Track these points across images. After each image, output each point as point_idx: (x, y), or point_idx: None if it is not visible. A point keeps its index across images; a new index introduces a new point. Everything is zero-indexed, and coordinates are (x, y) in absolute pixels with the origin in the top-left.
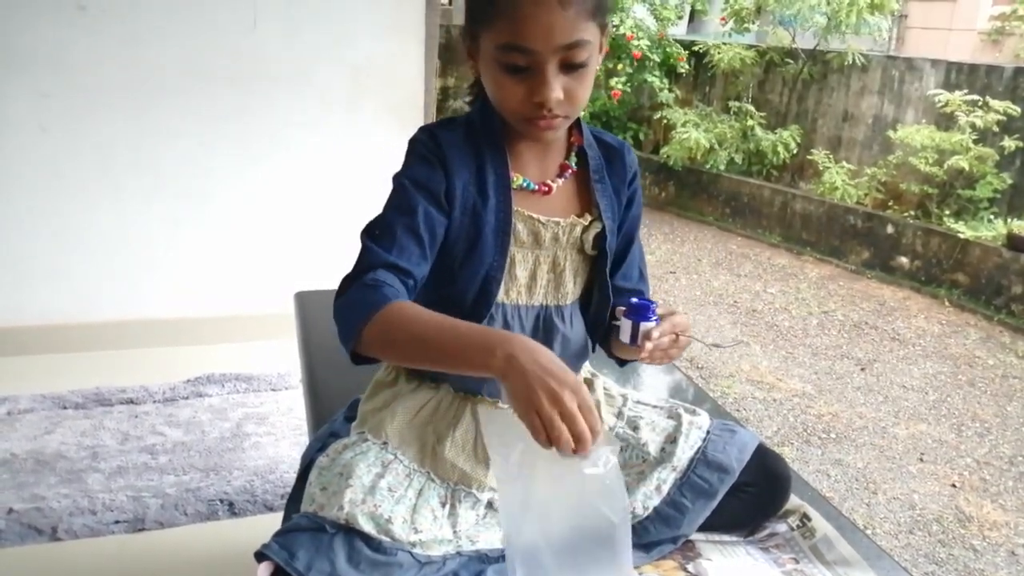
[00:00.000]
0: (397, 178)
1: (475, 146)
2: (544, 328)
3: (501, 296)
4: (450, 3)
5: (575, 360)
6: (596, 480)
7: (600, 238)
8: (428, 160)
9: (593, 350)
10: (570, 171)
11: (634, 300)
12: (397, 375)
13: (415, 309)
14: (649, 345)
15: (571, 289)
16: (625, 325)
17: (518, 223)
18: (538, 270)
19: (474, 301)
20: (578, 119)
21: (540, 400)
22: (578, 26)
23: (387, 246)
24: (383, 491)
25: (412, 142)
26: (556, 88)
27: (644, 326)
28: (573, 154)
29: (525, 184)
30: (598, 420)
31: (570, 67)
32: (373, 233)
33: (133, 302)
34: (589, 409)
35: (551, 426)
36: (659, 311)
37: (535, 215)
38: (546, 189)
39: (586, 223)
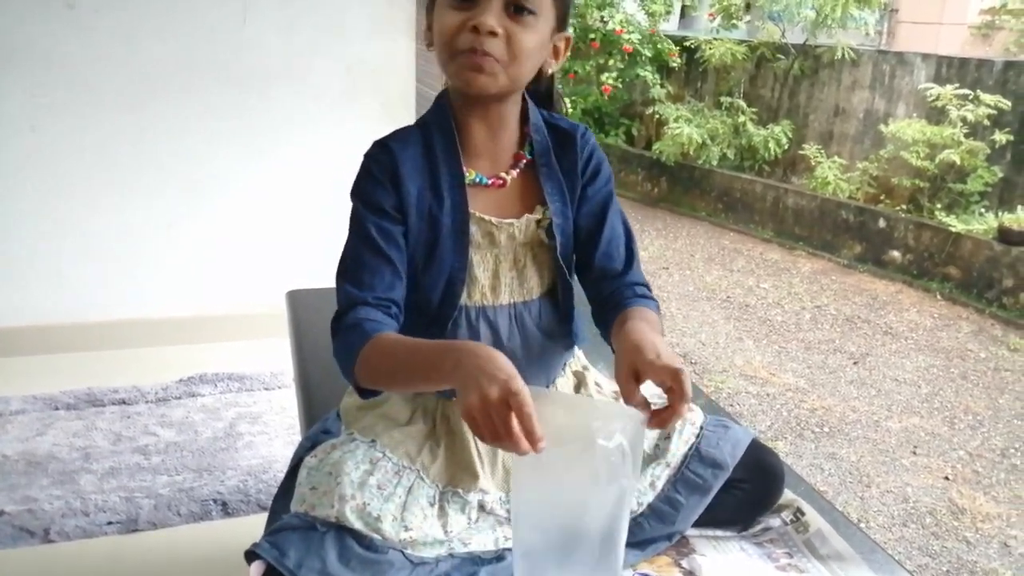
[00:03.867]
0: (352, 198)
1: (428, 145)
2: (517, 325)
3: (465, 299)
4: None
5: (551, 355)
6: (604, 452)
7: (552, 225)
8: (376, 176)
9: (577, 342)
10: (524, 161)
11: None
12: None
13: (388, 341)
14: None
15: (536, 283)
16: None
17: (472, 226)
18: (499, 269)
19: (440, 304)
20: (528, 104)
21: (471, 399)
22: None
23: (357, 282)
24: (372, 488)
25: (364, 157)
26: (494, 15)
27: None
28: (527, 144)
29: (478, 179)
30: (533, 423)
31: (516, 10)
32: (343, 270)
33: (125, 302)
34: (520, 408)
35: (479, 425)
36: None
37: (488, 217)
38: (500, 182)
39: (537, 216)
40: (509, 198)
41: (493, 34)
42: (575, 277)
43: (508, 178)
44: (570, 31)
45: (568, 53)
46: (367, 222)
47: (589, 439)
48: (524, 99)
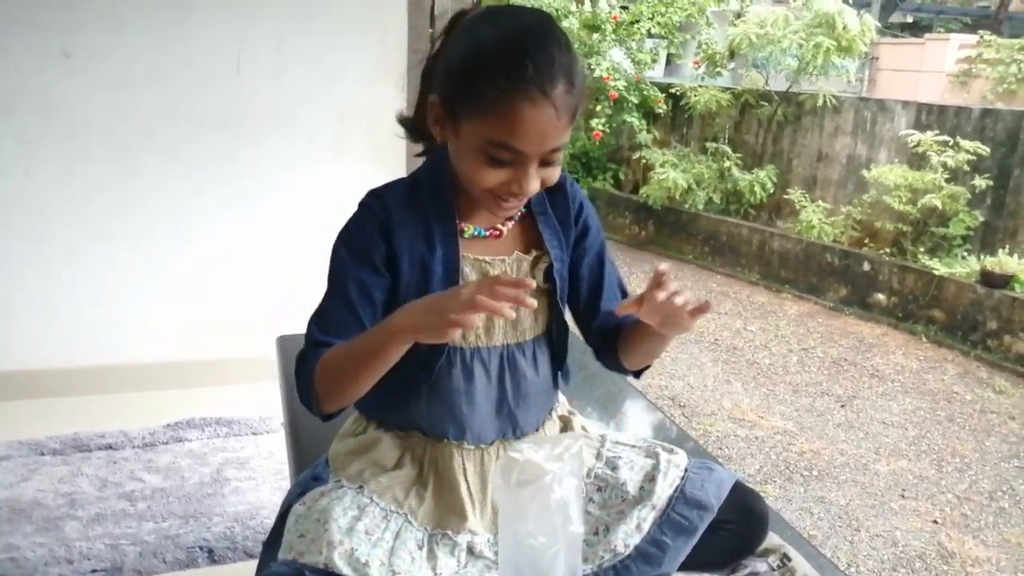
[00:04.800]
0: (336, 246)
1: (421, 203)
2: (509, 367)
3: (459, 340)
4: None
5: (542, 397)
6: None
7: (550, 271)
8: (367, 227)
9: (556, 385)
10: (519, 212)
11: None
12: (366, 426)
13: (335, 348)
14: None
15: (529, 325)
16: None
17: (466, 267)
18: None
19: (427, 348)
20: None
21: (441, 317)
22: (566, 130)
23: (324, 326)
24: (360, 534)
25: (359, 206)
26: (536, 182)
27: None
28: None
29: (476, 232)
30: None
31: (549, 160)
32: (317, 312)
33: (113, 346)
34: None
35: (470, 307)
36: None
37: (481, 256)
38: (497, 233)
39: (530, 257)
40: (505, 246)
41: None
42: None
43: (504, 230)
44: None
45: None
46: (347, 274)
47: (548, 486)
48: None
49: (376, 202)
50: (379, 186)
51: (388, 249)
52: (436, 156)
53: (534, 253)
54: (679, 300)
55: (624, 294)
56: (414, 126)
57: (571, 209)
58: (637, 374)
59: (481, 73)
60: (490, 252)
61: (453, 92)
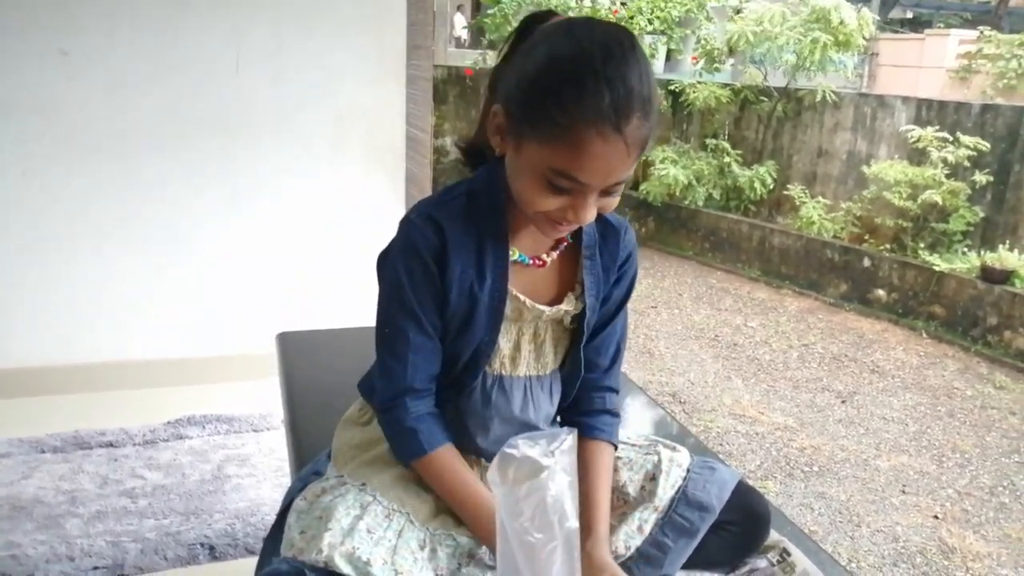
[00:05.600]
0: (392, 265)
1: (475, 221)
2: (532, 398)
3: (485, 367)
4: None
5: (544, 424)
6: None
7: (579, 315)
8: (423, 254)
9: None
10: (565, 243)
11: None
12: (370, 418)
13: (439, 469)
14: None
15: (551, 359)
16: None
17: (508, 303)
18: (521, 340)
19: (463, 371)
20: None
21: None
22: (634, 164)
23: (402, 359)
24: (362, 533)
25: (407, 225)
26: (593, 212)
27: None
28: None
29: (520, 259)
30: None
31: (610, 191)
32: (387, 343)
33: (114, 344)
34: None
35: None
36: None
37: (523, 298)
38: (540, 264)
39: (569, 307)
40: (546, 279)
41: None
42: None
43: (548, 260)
44: None
45: None
46: (409, 294)
47: (544, 482)
48: None
49: (430, 228)
50: (430, 202)
51: (442, 276)
52: (491, 168)
53: (571, 299)
54: None
55: (618, 353)
56: (473, 147)
57: (619, 257)
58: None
59: (552, 97)
60: (530, 288)
61: (520, 110)
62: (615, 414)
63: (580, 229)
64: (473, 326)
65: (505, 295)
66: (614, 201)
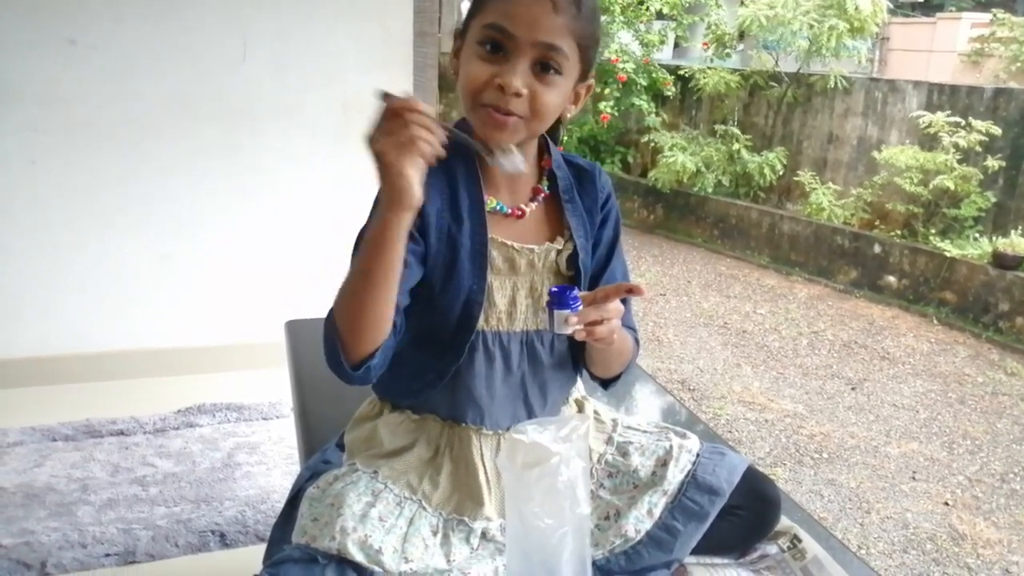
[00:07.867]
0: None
1: (449, 170)
2: (528, 353)
3: (482, 323)
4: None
5: (559, 384)
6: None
7: (573, 258)
8: None
9: (580, 373)
10: (542, 195)
11: (554, 288)
12: (381, 409)
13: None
14: (568, 330)
15: None
16: (547, 314)
17: (493, 250)
18: (517, 296)
19: (456, 328)
20: (547, 143)
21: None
22: (562, 34)
23: None
24: (374, 520)
25: None
26: (520, 76)
27: (559, 314)
28: (544, 177)
29: (498, 207)
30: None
31: (543, 67)
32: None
33: (123, 333)
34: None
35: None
36: (591, 295)
37: (509, 242)
38: (519, 213)
39: (559, 247)
40: (528, 228)
41: (518, 95)
42: None
43: (527, 210)
44: (592, 80)
45: (588, 99)
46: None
47: (555, 467)
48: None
49: None
50: None
51: (419, 218)
52: (462, 125)
53: (560, 242)
54: (598, 328)
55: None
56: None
57: (599, 197)
58: (604, 384)
59: None
60: (516, 236)
61: (471, 8)
62: (635, 339)
63: (555, 177)
64: (458, 274)
65: (486, 239)
66: (549, 94)
